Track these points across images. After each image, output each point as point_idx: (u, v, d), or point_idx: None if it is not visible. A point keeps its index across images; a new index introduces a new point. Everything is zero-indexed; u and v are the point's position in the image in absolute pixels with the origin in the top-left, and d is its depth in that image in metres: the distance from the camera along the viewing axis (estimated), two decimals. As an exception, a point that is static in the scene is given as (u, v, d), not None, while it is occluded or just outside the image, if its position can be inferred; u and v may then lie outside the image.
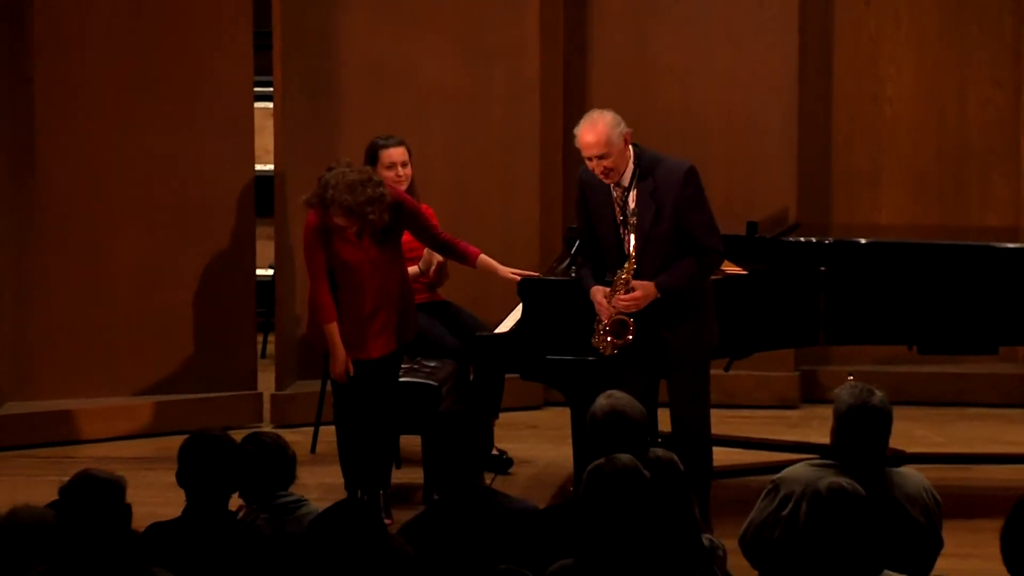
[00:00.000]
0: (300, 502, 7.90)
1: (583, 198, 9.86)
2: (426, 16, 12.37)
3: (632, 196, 9.60)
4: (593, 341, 9.64)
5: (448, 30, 12.40)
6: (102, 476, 6.62)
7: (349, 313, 10.40)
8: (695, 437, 9.71)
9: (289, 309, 12.16)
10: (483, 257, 10.57)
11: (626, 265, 9.55)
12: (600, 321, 9.61)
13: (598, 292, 9.69)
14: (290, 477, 7.98)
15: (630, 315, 9.48)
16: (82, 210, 11.96)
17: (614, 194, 9.64)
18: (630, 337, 9.46)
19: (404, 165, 10.71)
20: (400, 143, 10.80)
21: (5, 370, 11.87)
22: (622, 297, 9.44)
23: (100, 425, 11.94)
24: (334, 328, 10.36)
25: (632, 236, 9.67)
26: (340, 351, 10.35)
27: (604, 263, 9.79)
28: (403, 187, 10.60)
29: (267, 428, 11.60)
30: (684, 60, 12.67)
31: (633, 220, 9.63)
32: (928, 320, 10.71)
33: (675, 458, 7.75)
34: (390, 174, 10.56)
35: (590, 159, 9.59)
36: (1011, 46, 12.37)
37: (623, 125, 9.62)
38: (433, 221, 10.68)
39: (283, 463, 7.97)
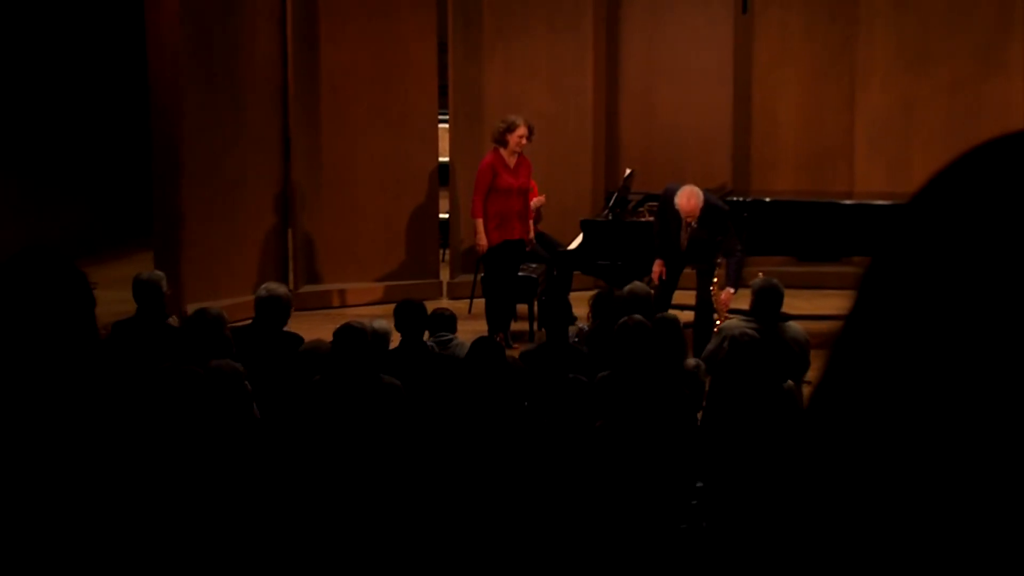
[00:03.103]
0: (453, 338, 7.92)
1: (663, 210, 9.64)
2: (531, 71, 12.33)
3: (694, 222, 9.45)
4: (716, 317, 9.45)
5: (543, 80, 12.37)
6: (356, 325, 6.75)
7: (503, 211, 10.33)
8: (708, 296, 9.69)
9: (456, 235, 12.20)
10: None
11: (715, 280, 9.52)
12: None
13: (658, 264, 9.62)
14: (453, 327, 8.02)
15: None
16: (345, 173, 11.99)
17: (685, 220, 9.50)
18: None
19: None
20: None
21: (302, 268, 11.95)
22: (723, 297, 9.41)
23: (354, 298, 11.98)
24: (480, 221, 10.31)
25: (686, 239, 9.50)
26: (482, 235, 10.34)
27: (668, 251, 9.64)
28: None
29: (445, 302, 11.78)
30: (674, 99, 12.60)
31: (692, 232, 9.50)
32: (803, 242, 10.72)
33: (676, 318, 7.97)
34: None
35: (687, 216, 9.38)
36: (848, 94, 12.33)
37: (702, 195, 9.43)
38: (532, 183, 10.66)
39: (445, 318, 8.11)
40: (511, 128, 10.35)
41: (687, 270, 9.85)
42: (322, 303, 11.85)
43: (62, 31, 13.19)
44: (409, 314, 7.58)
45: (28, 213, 12.63)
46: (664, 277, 9.66)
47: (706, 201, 9.46)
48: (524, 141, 10.38)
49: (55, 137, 13.24)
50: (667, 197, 9.63)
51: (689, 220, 9.44)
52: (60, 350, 2.76)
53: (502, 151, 10.39)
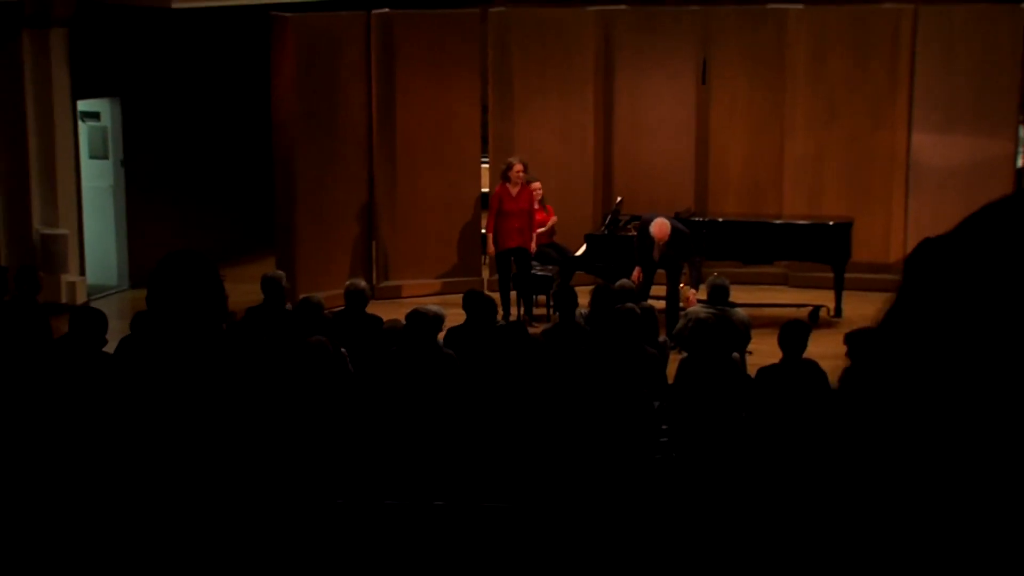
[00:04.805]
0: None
1: (642, 234, 9.58)
2: (547, 125, 12.09)
3: (665, 243, 9.42)
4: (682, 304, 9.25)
5: (555, 128, 12.10)
6: (421, 310, 6.79)
7: (507, 227, 10.37)
8: (677, 295, 9.65)
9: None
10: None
11: (683, 286, 9.38)
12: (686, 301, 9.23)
13: (637, 270, 9.47)
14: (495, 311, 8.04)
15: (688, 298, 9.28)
16: (413, 198, 11.82)
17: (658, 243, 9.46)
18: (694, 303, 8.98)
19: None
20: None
21: (381, 268, 11.91)
22: (691, 297, 9.20)
23: (418, 290, 11.76)
24: (489, 235, 10.53)
25: (658, 254, 9.35)
26: (490, 245, 10.52)
27: (645, 261, 9.58)
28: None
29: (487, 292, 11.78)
30: (652, 146, 12.26)
31: (662, 250, 9.45)
32: (746, 251, 10.73)
33: (652, 307, 7.98)
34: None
35: (658, 241, 9.32)
36: (778, 143, 12.12)
37: (670, 225, 9.35)
38: (546, 206, 10.70)
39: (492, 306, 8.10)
40: (510, 167, 10.62)
41: (660, 271, 9.87)
42: (395, 294, 11.77)
43: (212, 95, 13.30)
44: (471, 303, 7.56)
45: (186, 227, 12.74)
46: (642, 279, 9.70)
47: (672, 228, 9.48)
48: (521, 175, 10.54)
49: (204, 171, 13.35)
50: (644, 225, 9.71)
51: (660, 243, 9.44)
52: (200, 324, 2.82)
53: (507, 184, 10.58)
